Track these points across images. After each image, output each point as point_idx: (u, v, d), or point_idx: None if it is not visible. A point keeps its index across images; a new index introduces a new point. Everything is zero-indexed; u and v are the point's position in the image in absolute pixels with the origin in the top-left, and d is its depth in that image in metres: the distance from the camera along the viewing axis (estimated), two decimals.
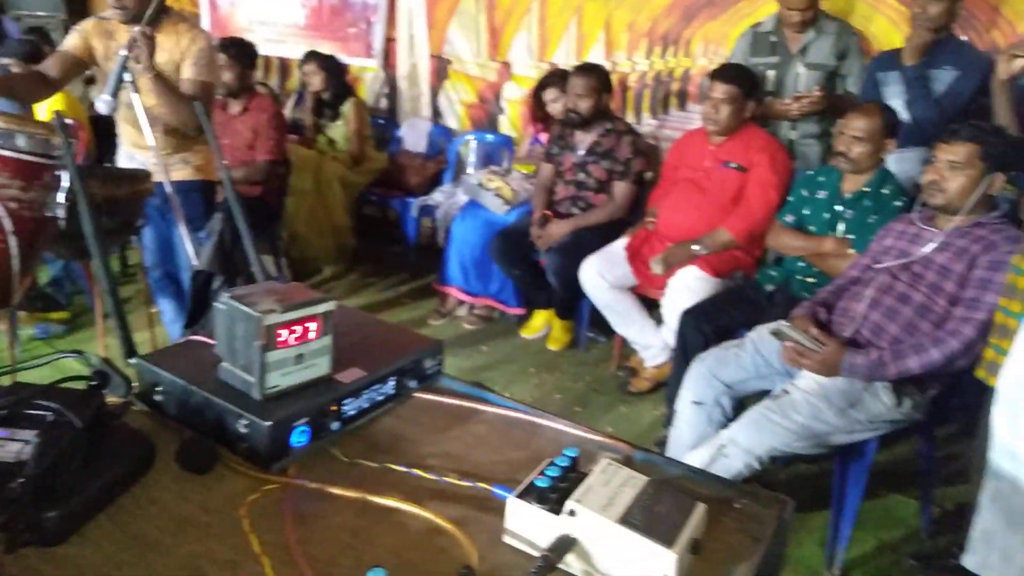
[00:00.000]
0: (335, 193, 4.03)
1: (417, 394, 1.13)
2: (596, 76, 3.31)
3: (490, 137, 4.32)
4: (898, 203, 2.46)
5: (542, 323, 3.54)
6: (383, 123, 4.64)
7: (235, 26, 5.02)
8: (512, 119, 4.28)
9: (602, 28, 3.88)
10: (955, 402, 2.17)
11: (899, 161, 2.72)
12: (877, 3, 3.24)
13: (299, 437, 0.91)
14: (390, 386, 1.06)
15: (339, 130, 4.19)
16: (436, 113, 4.52)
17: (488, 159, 4.26)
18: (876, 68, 2.90)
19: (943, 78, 2.73)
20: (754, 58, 3.18)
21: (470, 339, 3.52)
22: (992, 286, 1.88)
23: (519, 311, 3.59)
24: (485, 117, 4.37)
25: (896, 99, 2.79)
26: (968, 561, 1.20)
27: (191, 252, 2.46)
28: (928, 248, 2.03)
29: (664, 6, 3.70)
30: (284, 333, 0.90)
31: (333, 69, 4.21)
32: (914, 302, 2.01)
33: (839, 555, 2.11)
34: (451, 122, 4.48)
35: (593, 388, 3.11)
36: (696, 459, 2.00)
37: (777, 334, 2.08)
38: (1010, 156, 1.94)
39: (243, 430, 0.89)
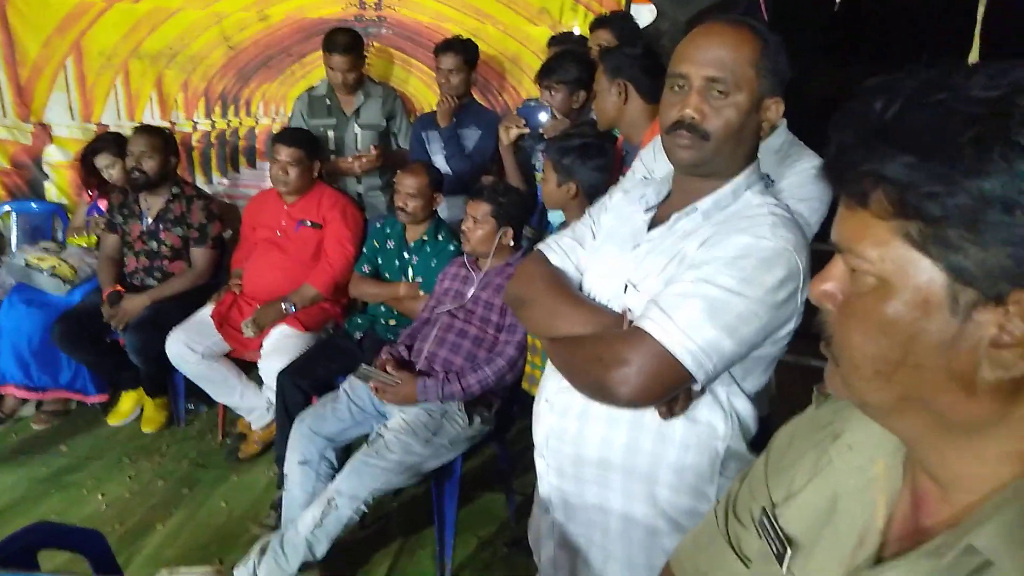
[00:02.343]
0: None
1: None
2: (160, 136, 3.19)
3: (35, 206, 3.81)
4: (451, 247, 2.87)
5: (132, 405, 3.26)
6: None
7: None
8: (60, 185, 3.84)
9: (153, 87, 3.71)
10: (516, 408, 2.63)
11: (449, 208, 3.16)
12: (410, 68, 3.70)
13: None
14: None
15: None
16: None
17: (36, 232, 3.76)
18: (419, 128, 3.33)
19: (471, 136, 3.25)
20: (313, 120, 3.39)
21: (45, 441, 3.09)
22: None
23: (101, 398, 3.26)
24: (25, 184, 3.84)
25: (439, 155, 3.24)
26: None
27: None
28: (473, 289, 2.43)
29: (217, 67, 3.70)
30: None
31: None
32: (470, 335, 2.39)
33: (448, 563, 2.39)
34: None
35: (199, 464, 2.98)
36: (309, 517, 2.10)
37: (361, 376, 2.32)
38: (516, 212, 2.44)
39: None
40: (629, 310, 1.25)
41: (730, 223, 1.21)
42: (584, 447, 1.32)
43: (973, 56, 1.63)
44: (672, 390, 1.19)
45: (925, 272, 0.56)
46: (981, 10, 1.59)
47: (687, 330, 1.13)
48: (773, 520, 0.77)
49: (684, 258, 1.21)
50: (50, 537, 1.34)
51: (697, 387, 1.22)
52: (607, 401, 1.22)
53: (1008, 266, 0.52)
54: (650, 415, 1.25)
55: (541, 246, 1.46)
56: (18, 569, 1.15)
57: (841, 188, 0.61)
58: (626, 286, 1.28)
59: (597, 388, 1.21)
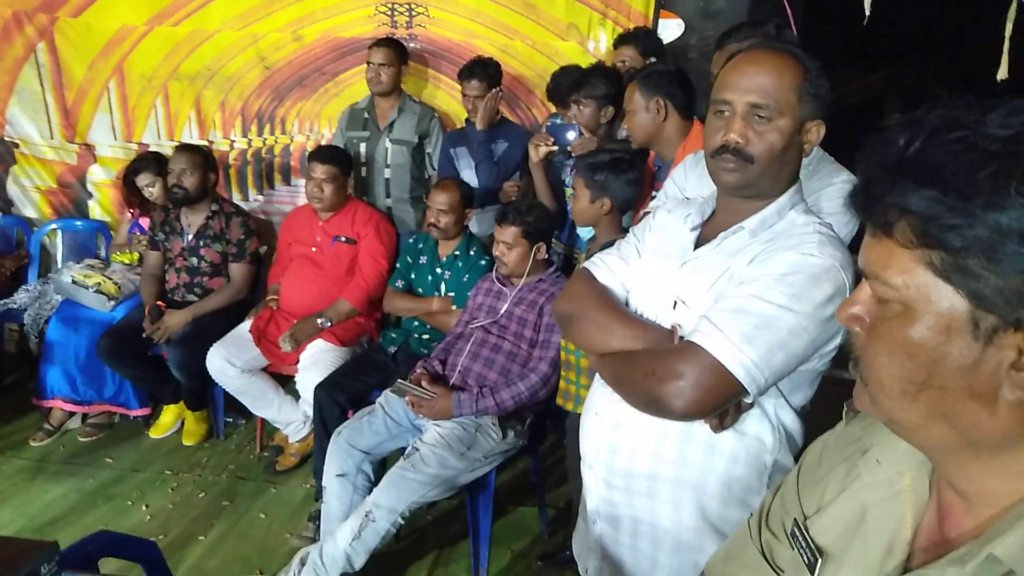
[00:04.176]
0: None
1: None
2: (200, 154, 3.30)
3: (80, 224, 3.93)
4: (483, 261, 2.90)
5: (173, 419, 3.35)
6: None
7: None
8: (103, 203, 3.96)
9: (192, 107, 3.82)
10: (549, 423, 2.66)
11: (480, 222, 3.21)
12: (441, 84, 3.76)
13: None
14: None
15: None
16: (6, 203, 3.97)
17: (81, 249, 3.88)
18: (448, 144, 3.38)
19: (498, 148, 3.29)
20: (350, 132, 3.49)
21: (90, 453, 3.18)
22: (556, 329, 2.36)
23: (144, 411, 3.35)
24: (70, 203, 3.96)
25: (468, 169, 3.28)
26: None
27: None
28: (506, 305, 2.47)
29: (253, 86, 3.79)
30: None
31: None
32: (504, 350, 2.42)
33: (482, 574, 2.42)
34: (28, 212, 3.97)
35: (239, 476, 3.05)
36: (347, 530, 2.15)
37: (397, 391, 2.37)
38: (544, 227, 2.47)
39: None
40: (679, 326, 1.28)
41: (778, 241, 1.24)
42: (634, 459, 1.35)
43: (1002, 72, 1.63)
44: (725, 403, 1.22)
45: (947, 299, 0.59)
46: (1009, 27, 1.59)
47: (740, 344, 1.16)
48: (804, 531, 0.80)
49: (733, 275, 1.25)
50: (110, 546, 1.40)
51: (748, 400, 1.25)
52: (661, 414, 1.24)
53: None
54: (700, 428, 1.28)
55: (587, 264, 1.49)
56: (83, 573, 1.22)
57: (867, 218, 0.64)
58: (675, 302, 1.31)
59: (651, 401, 1.23)
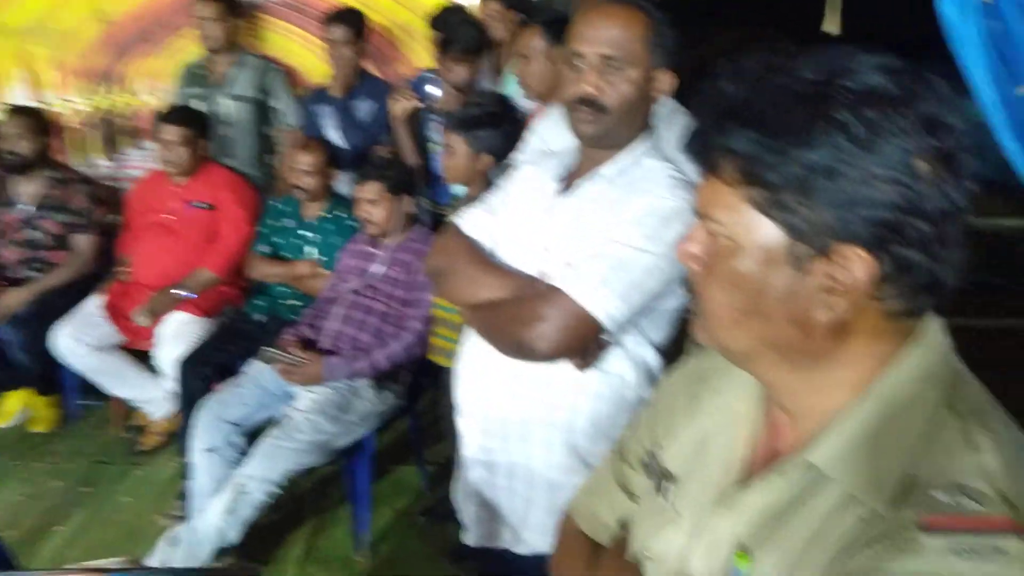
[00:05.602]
0: None
1: None
2: (34, 117, 3.04)
3: None
4: (352, 223, 2.82)
5: (18, 405, 3.08)
6: None
7: None
8: None
9: (20, 65, 3.46)
10: (426, 380, 2.65)
11: (347, 183, 3.11)
12: (308, 44, 3.58)
13: None
14: None
15: None
16: None
17: None
18: (310, 102, 3.25)
19: (364, 108, 3.19)
20: (186, 90, 3.28)
21: None
22: (427, 287, 2.35)
23: None
24: None
25: (332, 129, 3.18)
26: (469, 539, 1.55)
27: None
28: (376, 266, 2.43)
29: (91, 41, 3.48)
30: None
31: None
32: (377, 311, 2.39)
33: (363, 537, 2.41)
34: None
35: (99, 460, 2.86)
36: (220, 504, 2.08)
37: (264, 359, 2.31)
38: (405, 178, 2.44)
39: None
40: (544, 272, 1.32)
41: (633, 186, 1.30)
42: (506, 406, 1.39)
43: (830, 25, 1.73)
44: (586, 342, 1.29)
45: (768, 232, 0.64)
46: None
47: (598, 285, 1.23)
48: (656, 459, 0.86)
49: (593, 221, 1.30)
50: None
51: (609, 338, 1.31)
52: (528, 357, 1.30)
53: (832, 224, 0.61)
54: (566, 371, 1.33)
55: (455, 218, 1.51)
56: None
57: (699, 162, 0.69)
58: (540, 250, 1.35)
59: (517, 346, 1.29)
